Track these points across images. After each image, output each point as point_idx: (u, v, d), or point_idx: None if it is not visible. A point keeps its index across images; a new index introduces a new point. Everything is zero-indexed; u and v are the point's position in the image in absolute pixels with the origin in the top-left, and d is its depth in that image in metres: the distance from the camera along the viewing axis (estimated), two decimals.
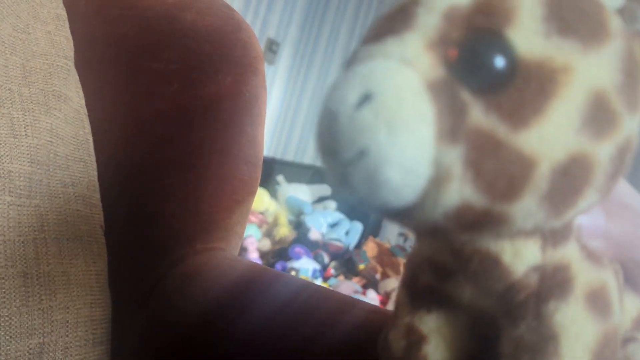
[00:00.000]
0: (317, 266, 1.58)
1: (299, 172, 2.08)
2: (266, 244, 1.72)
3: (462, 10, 0.18)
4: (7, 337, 0.38)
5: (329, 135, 0.18)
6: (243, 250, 1.60)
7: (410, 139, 0.17)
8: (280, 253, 1.64)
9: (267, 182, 2.04)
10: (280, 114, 2.52)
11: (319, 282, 1.52)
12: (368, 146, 0.17)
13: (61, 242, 0.43)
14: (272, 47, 2.41)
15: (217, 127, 0.53)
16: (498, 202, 0.18)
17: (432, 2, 0.19)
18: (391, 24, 0.19)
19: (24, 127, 0.44)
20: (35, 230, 0.41)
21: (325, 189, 2.02)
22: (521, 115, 0.17)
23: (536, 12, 0.18)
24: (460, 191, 0.17)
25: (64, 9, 0.52)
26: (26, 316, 0.39)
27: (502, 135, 0.17)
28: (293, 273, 1.52)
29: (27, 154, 0.43)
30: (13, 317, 0.38)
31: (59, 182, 0.45)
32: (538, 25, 0.18)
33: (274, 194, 1.98)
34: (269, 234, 1.79)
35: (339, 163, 0.17)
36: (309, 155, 2.36)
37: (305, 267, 1.54)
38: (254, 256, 1.61)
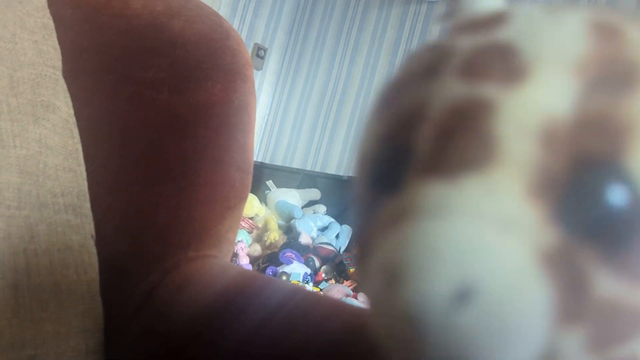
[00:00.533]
0: (308, 270, 1.58)
1: (288, 177, 2.08)
2: (257, 249, 1.72)
3: (562, 127, 0.13)
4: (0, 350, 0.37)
5: (406, 339, 0.13)
6: (234, 255, 1.59)
7: (522, 339, 0.13)
8: (271, 258, 1.64)
9: (257, 187, 2.04)
10: (269, 118, 2.52)
11: (310, 286, 1.52)
12: (467, 357, 0.13)
13: (52, 252, 0.43)
14: (259, 52, 2.41)
15: (207, 135, 0.53)
16: (602, 356, 0.14)
17: (516, 112, 0.13)
18: (459, 142, 0.14)
19: (13, 138, 0.44)
20: (25, 241, 0.41)
21: (314, 193, 2.03)
22: None
23: None
24: None
25: (51, 18, 0.52)
26: (17, 328, 0.39)
27: (626, 299, 0.13)
28: (284, 278, 1.52)
29: (16, 165, 0.43)
30: (4, 329, 0.38)
31: (49, 193, 0.45)
32: None
33: (263, 199, 1.98)
34: (259, 239, 1.79)
35: None
36: (298, 160, 2.37)
37: (296, 271, 1.54)
38: (244, 261, 1.61)
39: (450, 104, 0.14)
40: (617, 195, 0.13)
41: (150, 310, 0.45)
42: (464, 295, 0.12)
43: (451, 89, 0.14)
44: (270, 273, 1.56)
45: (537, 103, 0.13)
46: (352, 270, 1.61)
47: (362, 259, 0.16)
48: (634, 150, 0.13)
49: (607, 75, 0.14)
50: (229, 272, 0.47)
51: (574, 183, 0.13)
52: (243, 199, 0.56)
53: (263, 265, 1.62)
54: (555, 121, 0.13)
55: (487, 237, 0.13)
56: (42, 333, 0.40)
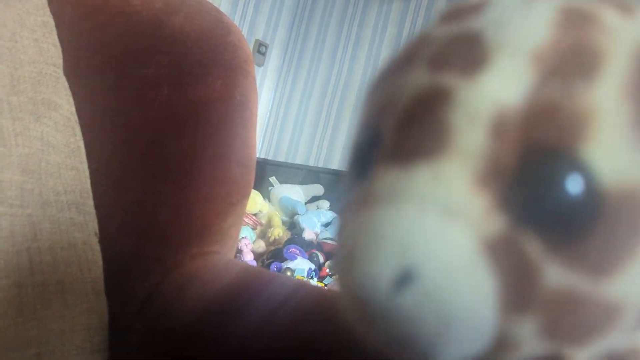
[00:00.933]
0: (313, 266, 1.58)
1: (291, 173, 2.08)
2: (261, 245, 1.72)
3: (514, 117, 0.13)
4: (4, 348, 0.38)
5: (360, 320, 0.14)
6: (238, 252, 1.60)
7: (468, 324, 0.13)
8: (275, 254, 1.64)
9: (260, 183, 2.04)
10: (271, 115, 2.52)
11: (314, 281, 1.52)
12: (413, 338, 0.13)
13: (55, 250, 0.43)
14: (260, 48, 2.40)
15: (209, 131, 0.53)
16: (571, 348, 0.14)
17: (470, 101, 0.14)
18: (416, 131, 0.14)
19: (14, 136, 0.44)
20: (28, 240, 0.41)
21: (318, 189, 2.02)
22: (606, 263, 0.13)
23: (621, 114, 0.13)
24: (530, 351, 0.14)
25: (51, 16, 0.52)
26: (22, 326, 0.39)
27: (583, 290, 0.13)
28: (288, 274, 1.52)
29: (18, 163, 0.43)
30: (9, 328, 0.38)
31: (52, 191, 0.45)
32: (625, 133, 0.13)
33: (267, 195, 1.98)
34: (263, 236, 1.79)
35: (377, 344, 0.14)
36: (301, 156, 2.37)
37: (300, 267, 1.54)
38: (248, 258, 1.61)
39: (414, 93, 0.15)
40: (568, 185, 0.13)
41: (154, 307, 0.45)
42: (404, 279, 0.13)
43: (418, 79, 0.15)
44: (275, 269, 1.56)
45: (490, 93, 0.14)
46: None
47: (337, 242, 0.17)
48: (589, 140, 0.13)
49: (565, 63, 0.14)
50: (233, 268, 0.47)
51: (523, 172, 0.13)
52: (246, 195, 0.56)
53: (267, 262, 1.62)
54: (506, 111, 0.13)
55: (430, 223, 0.13)
56: (47, 331, 0.40)
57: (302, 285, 0.43)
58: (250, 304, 0.40)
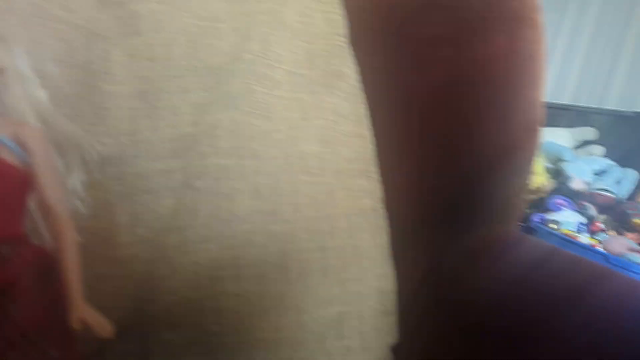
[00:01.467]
0: (582, 219, 1.43)
1: (556, 114, 1.88)
2: None
3: None
4: (313, 305, 0.42)
5: None
6: None
7: None
8: (537, 204, 1.53)
9: None
10: None
11: (584, 237, 1.38)
12: None
13: (349, 217, 0.46)
14: None
15: (492, 92, 0.50)
16: None
17: None
18: None
19: (312, 109, 0.47)
20: (328, 206, 0.45)
21: (589, 132, 1.80)
22: None
23: None
24: None
25: None
26: (327, 286, 0.43)
27: None
28: (553, 226, 1.41)
29: (316, 135, 0.46)
30: (318, 287, 0.42)
31: (344, 159, 0.47)
32: None
33: None
34: None
35: None
36: (569, 95, 2.12)
37: (568, 220, 1.41)
38: None
39: None
40: None
41: (439, 277, 0.46)
42: None
43: None
44: (537, 220, 1.46)
45: None
46: (637, 221, 1.41)
47: None
48: None
49: None
50: (523, 243, 0.44)
51: None
52: (530, 161, 0.51)
53: (529, 212, 1.53)
54: None
55: None
56: (347, 293, 0.43)
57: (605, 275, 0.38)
58: (555, 287, 0.37)
